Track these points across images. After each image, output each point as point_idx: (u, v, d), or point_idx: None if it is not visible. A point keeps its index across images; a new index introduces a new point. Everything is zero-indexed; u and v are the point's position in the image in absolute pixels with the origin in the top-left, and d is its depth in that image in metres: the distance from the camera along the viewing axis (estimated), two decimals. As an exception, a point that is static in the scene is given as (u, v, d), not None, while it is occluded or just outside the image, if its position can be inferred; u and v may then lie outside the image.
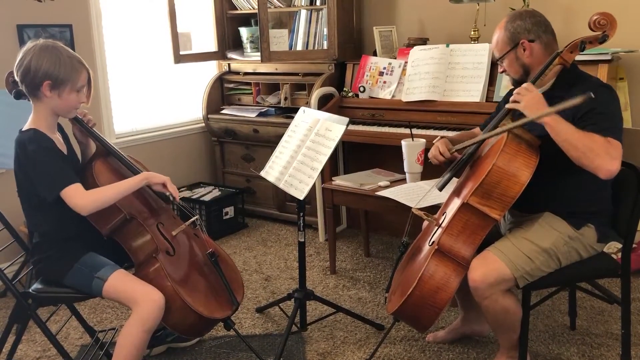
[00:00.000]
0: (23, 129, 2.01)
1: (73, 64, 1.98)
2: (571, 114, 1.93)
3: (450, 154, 2.21)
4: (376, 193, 2.84)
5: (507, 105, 2.03)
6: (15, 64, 1.98)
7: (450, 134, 3.11)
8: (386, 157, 3.42)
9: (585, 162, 1.84)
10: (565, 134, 1.86)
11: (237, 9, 4.28)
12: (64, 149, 2.08)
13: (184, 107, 4.32)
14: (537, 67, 2.05)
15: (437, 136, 3.06)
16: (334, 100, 3.61)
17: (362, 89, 3.55)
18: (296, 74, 3.89)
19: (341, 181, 3.07)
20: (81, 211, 1.94)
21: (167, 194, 2.13)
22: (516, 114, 2.11)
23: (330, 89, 3.65)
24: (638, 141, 3.00)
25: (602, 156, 1.82)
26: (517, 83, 2.13)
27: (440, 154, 2.21)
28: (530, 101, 1.93)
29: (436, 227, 2.10)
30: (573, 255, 2.02)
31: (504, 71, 2.16)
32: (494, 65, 3.18)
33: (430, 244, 2.08)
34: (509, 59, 2.11)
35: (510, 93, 2.29)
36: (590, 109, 1.89)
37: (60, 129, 2.14)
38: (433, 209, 2.39)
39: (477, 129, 2.44)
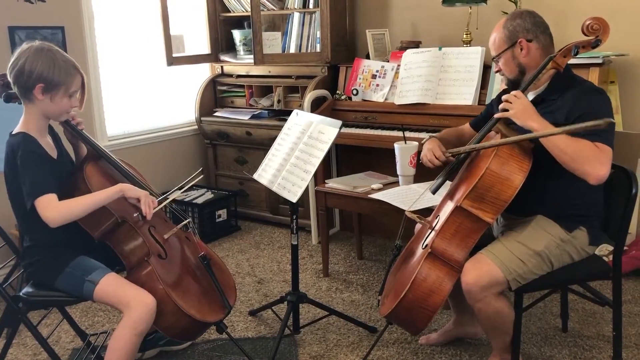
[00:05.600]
0: (13, 132, 2.00)
1: (68, 69, 1.97)
2: (563, 119, 1.94)
3: (446, 157, 2.22)
4: (369, 196, 2.84)
5: (496, 115, 2.04)
6: (9, 65, 1.96)
7: (443, 136, 3.13)
8: (379, 159, 3.43)
9: (574, 167, 1.86)
10: (554, 140, 1.87)
11: (230, 12, 4.28)
12: (53, 152, 2.06)
13: (177, 109, 4.30)
14: (533, 67, 2.06)
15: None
16: (327, 103, 3.61)
17: (355, 91, 3.56)
18: (289, 77, 3.89)
19: (334, 184, 3.08)
20: (50, 224, 1.89)
21: (135, 214, 2.06)
22: (508, 120, 2.12)
23: (323, 92, 3.65)
24: (629, 144, 3.02)
25: (590, 162, 1.84)
26: (511, 83, 2.14)
27: (436, 158, 2.21)
28: (519, 108, 1.94)
29: (429, 230, 2.11)
30: (565, 258, 2.03)
31: (499, 70, 2.16)
32: (486, 68, 3.19)
33: (423, 247, 2.08)
34: (505, 57, 2.11)
35: (500, 95, 2.31)
36: (581, 114, 1.90)
37: (52, 130, 2.13)
38: (426, 212, 2.40)
39: (466, 125, 2.45)
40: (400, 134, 3.02)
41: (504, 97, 2.01)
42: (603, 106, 1.96)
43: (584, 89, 2.01)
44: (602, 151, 1.85)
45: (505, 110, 1.98)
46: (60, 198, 1.94)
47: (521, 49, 2.07)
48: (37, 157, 1.95)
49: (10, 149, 1.95)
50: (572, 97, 1.94)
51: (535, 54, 2.06)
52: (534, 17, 2.09)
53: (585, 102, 1.94)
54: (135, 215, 2.06)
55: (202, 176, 2.20)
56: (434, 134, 2.40)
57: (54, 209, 1.90)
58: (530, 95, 2.10)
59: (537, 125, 1.89)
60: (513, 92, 1.99)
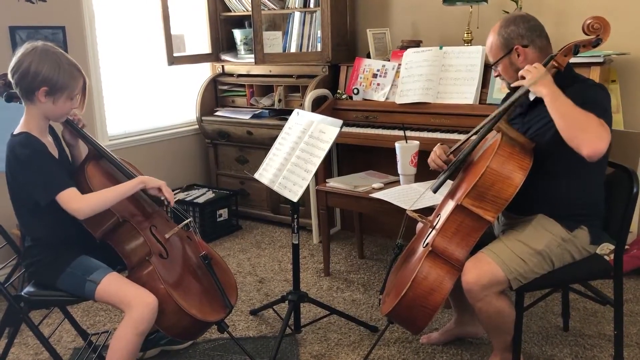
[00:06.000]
0: (14, 133, 2.00)
1: (72, 72, 1.97)
2: None
3: (447, 156, 2.22)
4: (370, 195, 2.84)
5: (515, 83, 2.03)
6: (12, 66, 1.95)
7: (444, 136, 3.13)
8: (380, 159, 3.43)
9: (573, 134, 1.82)
10: (562, 105, 1.84)
11: (230, 11, 4.27)
12: (55, 152, 2.06)
13: (178, 109, 4.30)
14: None
15: (430, 138, 3.10)
16: (328, 102, 3.61)
17: (355, 91, 3.56)
18: (290, 76, 3.89)
19: (335, 183, 3.08)
20: (78, 215, 1.93)
21: (162, 198, 2.13)
22: (510, 117, 2.12)
23: (324, 91, 3.65)
24: (630, 143, 3.02)
25: (593, 132, 1.80)
26: (512, 88, 2.13)
27: (438, 157, 2.22)
28: (536, 75, 1.91)
29: (430, 229, 2.11)
30: (566, 257, 2.03)
31: (498, 75, 2.17)
32: (487, 67, 3.19)
33: (424, 245, 2.08)
34: (503, 64, 2.11)
35: (507, 96, 2.30)
36: (583, 102, 1.88)
37: (52, 131, 2.13)
38: (427, 211, 2.40)
39: None
40: (401, 133, 3.02)
41: (525, 68, 1.98)
42: (603, 99, 1.95)
43: (585, 85, 2.01)
44: (605, 129, 1.83)
45: (523, 78, 1.96)
46: None
47: (518, 55, 2.07)
48: (45, 155, 1.96)
49: (12, 149, 1.95)
50: (572, 91, 1.93)
51: (533, 58, 2.05)
52: (528, 21, 2.08)
53: (584, 93, 1.93)
54: (162, 198, 2.12)
55: (190, 219, 2.25)
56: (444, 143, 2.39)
57: (79, 201, 1.93)
58: (532, 95, 2.09)
59: (547, 90, 1.87)
60: (534, 64, 1.96)
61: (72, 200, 1.92)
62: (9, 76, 1.98)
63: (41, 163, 1.93)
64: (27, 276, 2.12)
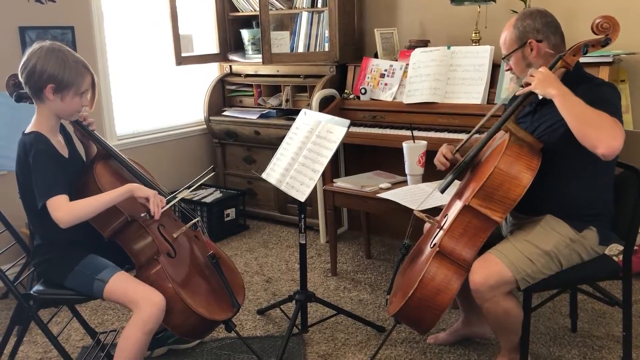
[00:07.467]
0: (25, 132, 2.01)
1: (78, 69, 1.98)
2: None
3: (453, 155, 2.22)
4: (377, 195, 2.84)
5: (520, 92, 2.02)
6: (20, 66, 1.98)
7: (451, 136, 3.13)
8: (387, 159, 3.42)
9: (587, 132, 1.81)
10: (573, 104, 1.84)
11: (238, 11, 4.29)
12: (65, 151, 2.08)
13: (186, 109, 4.32)
14: None
15: (438, 138, 3.10)
16: (335, 102, 3.61)
17: (363, 91, 3.55)
18: (297, 76, 3.89)
19: (342, 183, 3.08)
20: (60, 224, 1.91)
21: (143, 214, 2.05)
22: (518, 117, 2.11)
23: (331, 91, 3.65)
24: (639, 143, 3.00)
25: (608, 130, 1.79)
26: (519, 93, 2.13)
27: (444, 156, 2.22)
28: (540, 78, 1.91)
29: (438, 229, 2.10)
30: (574, 257, 2.02)
31: (509, 69, 2.16)
32: (495, 67, 3.18)
33: (431, 246, 2.08)
34: (515, 57, 2.10)
35: (516, 96, 2.30)
36: (593, 101, 1.87)
37: (63, 129, 2.15)
38: (435, 211, 2.39)
39: None
40: (408, 133, 3.01)
41: (530, 71, 1.97)
42: (611, 97, 1.94)
43: (594, 84, 2.00)
44: (619, 126, 1.82)
45: (529, 84, 1.96)
46: (71, 197, 1.95)
47: (531, 50, 2.06)
48: (48, 156, 1.97)
49: (23, 148, 1.97)
50: (581, 90, 1.92)
51: (545, 55, 2.05)
52: (545, 17, 2.07)
53: (593, 92, 1.93)
54: (142, 214, 2.06)
55: (214, 173, 2.18)
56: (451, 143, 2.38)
57: (64, 210, 1.91)
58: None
59: (556, 91, 1.87)
60: (540, 68, 1.96)
61: (57, 209, 1.90)
62: (19, 76, 2.00)
63: (43, 164, 1.93)
64: (36, 275, 2.14)
